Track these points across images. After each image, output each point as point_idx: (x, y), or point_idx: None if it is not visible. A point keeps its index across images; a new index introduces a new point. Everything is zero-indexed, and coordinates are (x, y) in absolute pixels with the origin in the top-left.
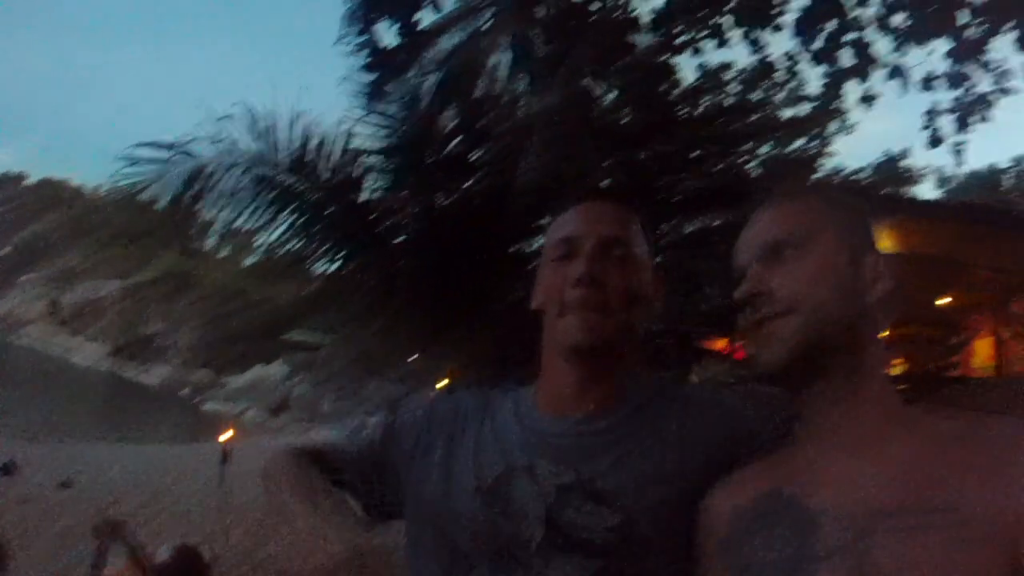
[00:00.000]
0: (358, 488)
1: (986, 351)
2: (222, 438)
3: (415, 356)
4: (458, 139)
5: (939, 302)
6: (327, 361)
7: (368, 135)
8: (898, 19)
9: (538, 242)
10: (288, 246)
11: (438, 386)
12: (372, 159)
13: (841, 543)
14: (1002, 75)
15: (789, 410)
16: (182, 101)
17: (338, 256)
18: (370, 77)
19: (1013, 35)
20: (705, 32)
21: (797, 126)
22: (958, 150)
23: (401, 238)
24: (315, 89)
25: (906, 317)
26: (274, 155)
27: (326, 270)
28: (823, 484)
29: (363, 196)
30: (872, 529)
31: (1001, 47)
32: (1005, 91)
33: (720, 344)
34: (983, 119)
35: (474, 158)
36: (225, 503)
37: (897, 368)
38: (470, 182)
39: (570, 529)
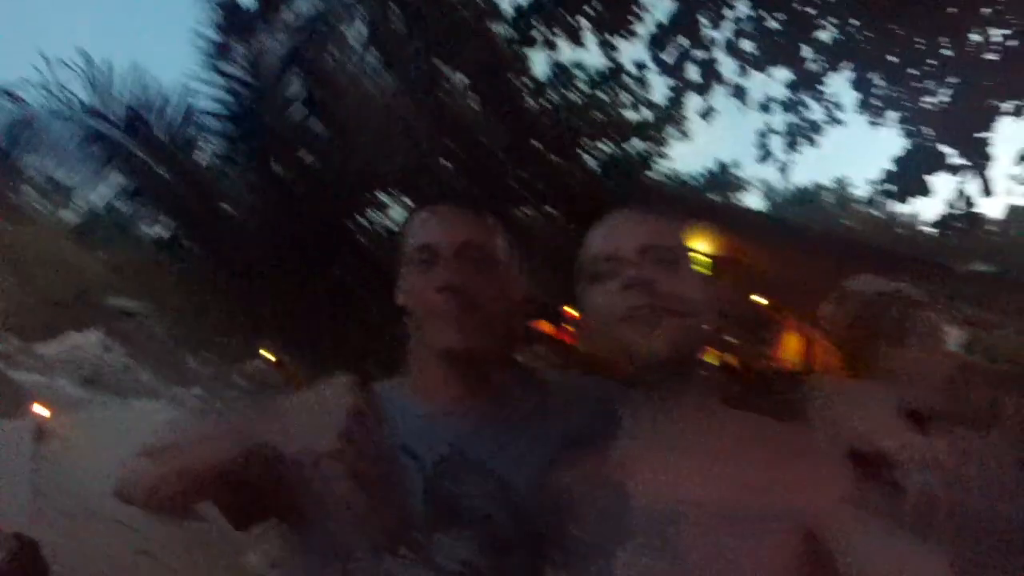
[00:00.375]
0: (230, 498)
1: (795, 348)
2: (37, 411)
3: (237, 332)
4: (301, 109)
5: (753, 303)
6: (145, 331)
7: (211, 97)
8: (747, 45)
9: (373, 220)
10: (113, 208)
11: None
12: (212, 123)
13: (650, 528)
14: (834, 107)
15: (622, 402)
16: (11, 42)
17: (166, 223)
18: (219, 35)
19: (849, 74)
20: (561, 31)
21: (639, 129)
22: (784, 169)
23: (235, 209)
24: (160, 42)
25: (723, 316)
26: (108, 109)
27: (152, 236)
28: (641, 473)
29: (199, 161)
30: (679, 517)
31: (836, 82)
32: (835, 121)
33: (548, 328)
34: (811, 143)
35: (317, 131)
36: (38, 487)
37: (714, 360)
38: (310, 156)
39: (450, 499)
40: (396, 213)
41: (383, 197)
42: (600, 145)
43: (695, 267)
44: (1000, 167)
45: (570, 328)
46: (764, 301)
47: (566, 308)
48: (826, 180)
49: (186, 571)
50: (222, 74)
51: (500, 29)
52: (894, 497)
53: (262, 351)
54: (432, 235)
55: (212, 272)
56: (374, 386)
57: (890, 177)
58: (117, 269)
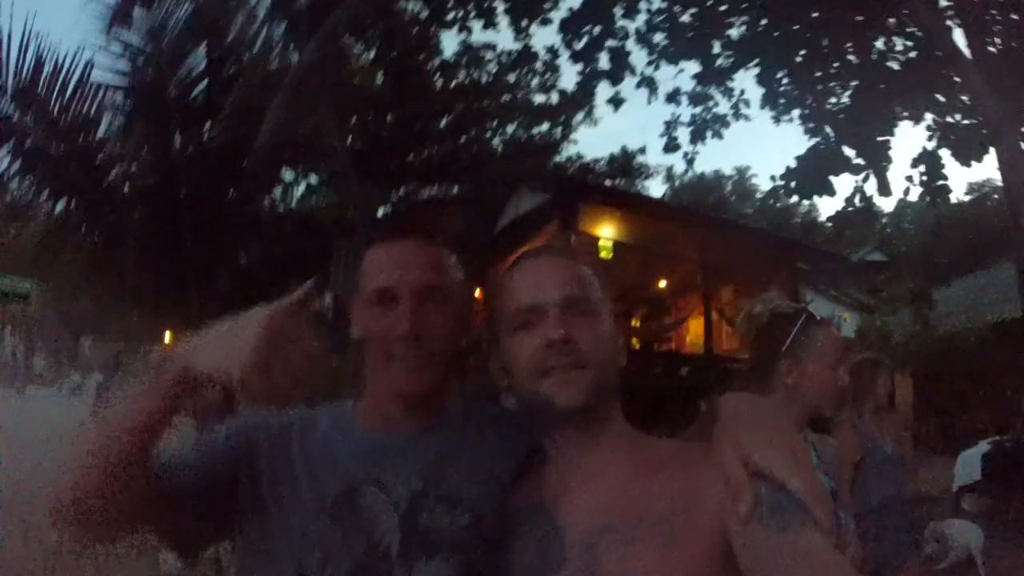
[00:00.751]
0: (176, 528)
1: (697, 331)
2: None
3: (136, 315)
4: (203, 82)
5: (656, 287)
6: (38, 315)
7: (109, 68)
8: (658, 37)
9: (276, 199)
10: (3, 184)
11: (160, 349)
12: (109, 96)
13: (575, 553)
14: (740, 102)
15: (548, 436)
16: None
17: (60, 200)
18: (119, 2)
19: (756, 71)
20: (475, 12)
21: (545, 113)
22: (690, 159)
23: (131, 187)
24: (58, 8)
25: (627, 299)
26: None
27: (44, 213)
28: (566, 501)
29: (95, 136)
30: (599, 542)
31: (744, 79)
32: (740, 115)
33: None
34: (717, 136)
35: (218, 106)
36: None
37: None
38: (211, 131)
39: (427, 532)
40: (300, 191)
41: (287, 174)
42: (508, 127)
43: (606, 313)
44: (896, 168)
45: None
46: (664, 284)
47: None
48: (729, 171)
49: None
50: (121, 43)
51: (414, 7)
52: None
53: (167, 333)
54: (392, 278)
55: (107, 252)
56: (320, 410)
57: (792, 174)
58: (5, 250)
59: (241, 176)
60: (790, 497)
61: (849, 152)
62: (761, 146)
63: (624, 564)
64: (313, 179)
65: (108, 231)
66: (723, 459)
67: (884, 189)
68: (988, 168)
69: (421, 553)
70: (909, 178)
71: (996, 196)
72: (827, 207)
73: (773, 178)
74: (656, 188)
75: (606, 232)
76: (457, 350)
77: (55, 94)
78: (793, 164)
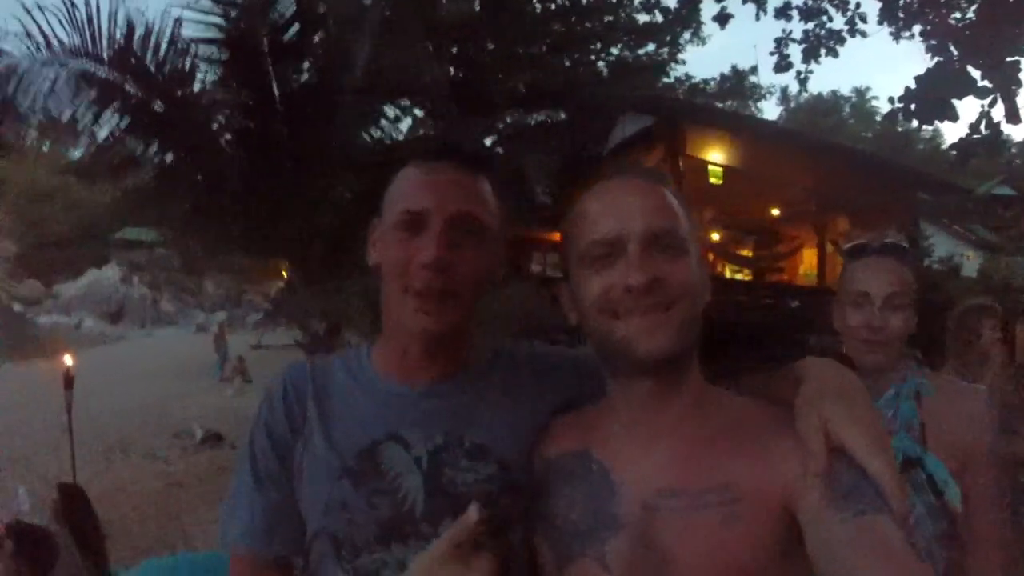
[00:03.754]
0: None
1: (811, 261)
2: (66, 361)
3: (250, 253)
4: (294, 27)
5: (768, 214)
6: (161, 260)
7: (198, 23)
8: None
9: (378, 135)
10: (113, 142)
11: (274, 290)
12: (202, 49)
13: (630, 516)
14: (856, 17)
15: (607, 379)
16: None
17: (167, 152)
18: None
19: None
20: None
21: (650, 32)
22: (804, 78)
23: (231, 133)
24: None
25: (737, 227)
26: (95, 48)
27: (155, 166)
28: (624, 458)
29: (193, 89)
30: (656, 506)
31: None
32: (856, 32)
33: (553, 235)
34: (832, 54)
35: (311, 46)
36: (72, 431)
37: (729, 273)
38: (306, 72)
39: (451, 487)
40: (405, 124)
41: (388, 109)
42: (612, 49)
43: (695, 247)
44: None
45: None
46: (778, 212)
47: None
48: (847, 92)
49: (213, 500)
50: None
51: None
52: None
53: (283, 271)
54: (423, 200)
55: (217, 196)
56: (335, 358)
57: (911, 96)
58: (125, 201)
59: (336, 116)
60: (868, 481)
61: (974, 73)
62: (882, 66)
63: (684, 533)
64: (417, 112)
65: (212, 176)
66: (805, 429)
67: (1013, 115)
68: None
69: (447, 510)
70: None
71: None
72: (951, 134)
73: (891, 100)
74: (771, 110)
75: (715, 157)
76: (483, 289)
77: (149, 54)
78: (912, 85)
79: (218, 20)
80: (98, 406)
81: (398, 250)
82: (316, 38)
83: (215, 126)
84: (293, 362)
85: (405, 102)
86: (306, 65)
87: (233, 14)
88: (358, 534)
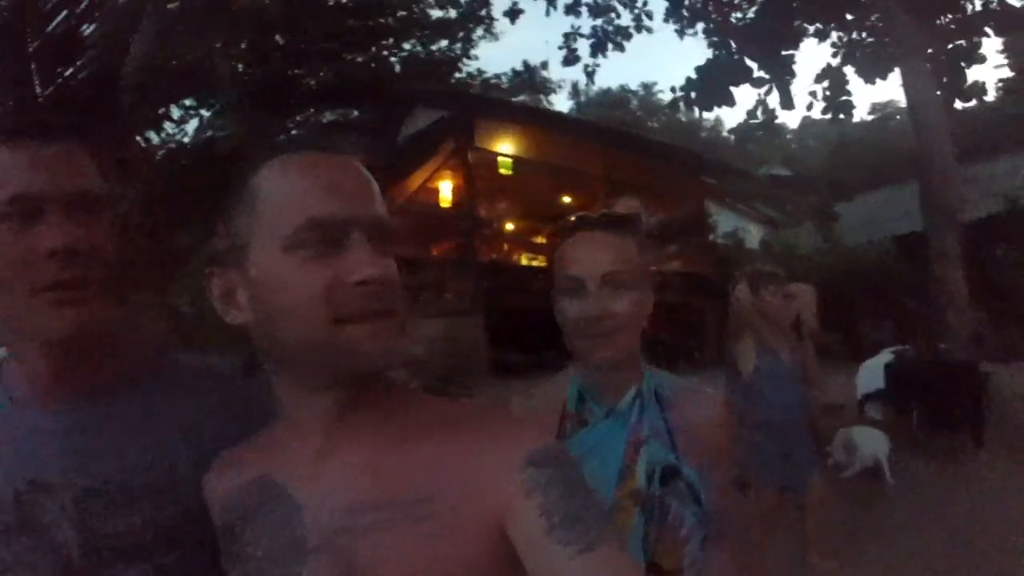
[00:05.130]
0: None
1: None
2: None
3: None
4: (63, 15)
5: (560, 203)
6: None
7: None
8: None
9: (166, 134)
10: None
11: None
12: None
13: (325, 538)
14: (643, 14)
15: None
16: None
17: None
18: None
19: None
20: None
21: (443, 28)
22: (591, 72)
23: None
24: None
25: (530, 217)
26: None
27: None
28: (308, 478)
29: None
30: (352, 525)
31: None
32: (642, 28)
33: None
34: (619, 49)
35: (83, 38)
36: None
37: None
38: (75, 67)
39: (102, 539)
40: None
41: (173, 109)
42: (405, 45)
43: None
44: (800, 84)
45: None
46: (570, 200)
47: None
48: (635, 86)
49: None
50: None
51: None
52: None
53: None
54: (33, 180)
55: None
56: None
57: (692, 84)
58: None
59: (111, 114)
60: (593, 504)
61: (751, 65)
62: (667, 62)
63: (381, 552)
64: (204, 113)
65: None
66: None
67: (787, 102)
68: (892, 89)
69: (104, 562)
70: (813, 93)
71: (899, 117)
72: (732, 122)
73: (673, 89)
74: (562, 104)
75: (505, 148)
76: (123, 292)
77: None
78: (694, 75)
79: None
80: None
81: (10, 244)
82: (88, 29)
83: None
84: None
85: (191, 101)
86: (78, 59)
87: None
88: None
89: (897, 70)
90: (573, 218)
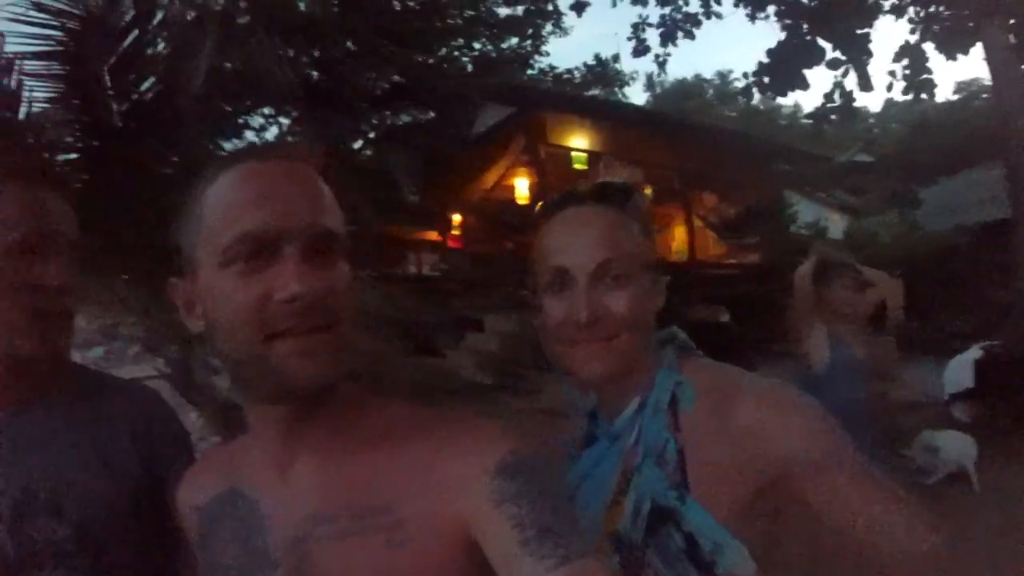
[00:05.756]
0: None
1: (681, 238)
2: None
3: (87, 279)
4: (132, 36)
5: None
6: None
7: (27, 36)
8: None
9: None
10: None
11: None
12: (31, 65)
13: (288, 548)
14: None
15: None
16: None
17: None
18: None
19: None
20: None
21: (511, 25)
22: (662, 61)
23: (71, 155)
24: None
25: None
26: None
27: None
28: (275, 486)
29: (22, 110)
30: (309, 535)
31: None
32: (711, 14)
33: (431, 235)
34: (688, 36)
35: (149, 56)
36: None
37: None
38: (146, 86)
39: (32, 544)
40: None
41: (253, 118)
42: (475, 44)
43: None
44: (879, 63)
45: (456, 233)
46: (648, 192)
47: (453, 216)
48: (710, 75)
49: None
50: (40, 9)
51: None
52: None
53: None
54: None
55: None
56: None
57: (764, 69)
58: None
59: (182, 129)
60: (566, 513)
61: (825, 45)
62: (740, 48)
63: (343, 562)
64: (283, 120)
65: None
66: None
67: (865, 84)
68: (977, 66)
69: (36, 565)
70: (892, 73)
71: (985, 96)
72: (810, 106)
73: (746, 75)
74: (637, 96)
75: (578, 143)
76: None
77: None
78: (766, 60)
79: (52, 32)
80: None
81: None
82: (160, 47)
83: (48, 149)
84: None
85: (270, 110)
86: (149, 76)
87: (70, 25)
88: None
89: (979, 45)
90: (557, 195)
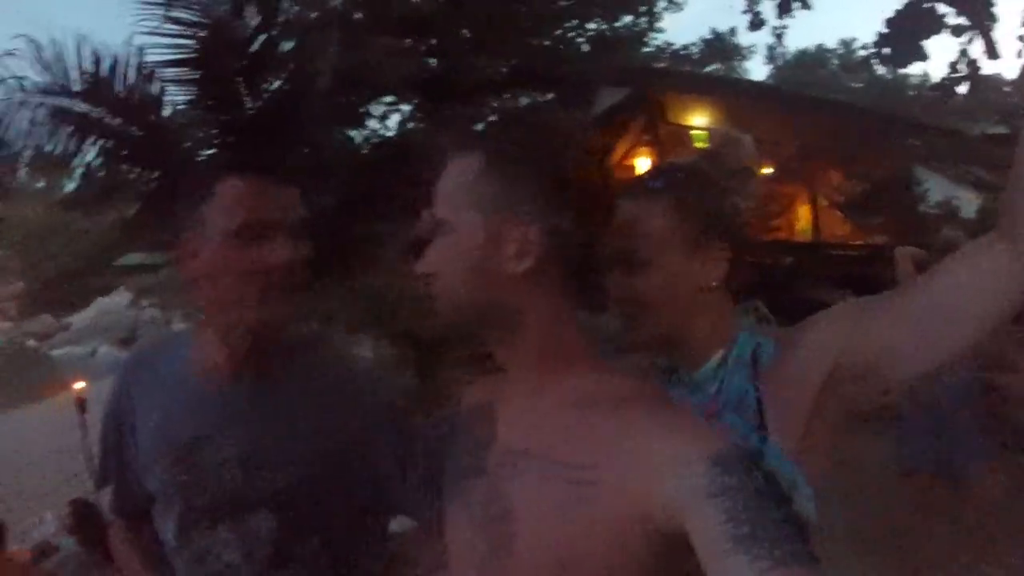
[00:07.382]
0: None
1: (806, 217)
2: (76, 387)
3: None
4: (261, 39)
5: (758, 173)
6: (168, 281)
7: (164, 47)
8: None
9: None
10: (92, 172)
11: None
12: (170, 72)
13: (488, 468)
14: None
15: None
16: None
17: (152, 177)
18: None
19: None
20: None
21: (624, 3)
22: (778, 34)
23: (210, 151)
24: (99, 8)
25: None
26: (66, 84)
27: (138, 192)
28: (496, 414)
29: (165, 112)
30: (505, 462)
31: None
32: None
33: None
34: (805, 7)
35: (278, 57)
36: (89, 452)
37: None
38: (276, 84)
39: (247, 491)
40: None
41: (374, 107)
42: (590, 24)
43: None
44: (1007, 29)
45: None
46: (771, 170)
47: None
48: (833, 44)
49: None
50: (174, 22)
51: None
52: None
53: None
54: (259, 210)
55: None
56: (160, 347)
57: (884, 40)
58: (126, 226)
59: (312, 123)
60: (787, 517)
61: (947, 10)
62: (863, 13)
63: (522, 494)
64: (404, 108)
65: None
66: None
67: (992, 51)
68: None
69: (248, 508)
70: (1022, 38)
71: None
72: (938, 76)
73: (866, 47)
74: (758, 69)
75: (697, 121)
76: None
77: (119, 84)
78: (885, 30)
79: (185, 41)
80: None
81: (238, 257)
82: (285, 46)
83: (191, 144)
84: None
85: (391, 99)
86: (277, 76)
87: (201, 34)
88: (187, 516)
89: None
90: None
